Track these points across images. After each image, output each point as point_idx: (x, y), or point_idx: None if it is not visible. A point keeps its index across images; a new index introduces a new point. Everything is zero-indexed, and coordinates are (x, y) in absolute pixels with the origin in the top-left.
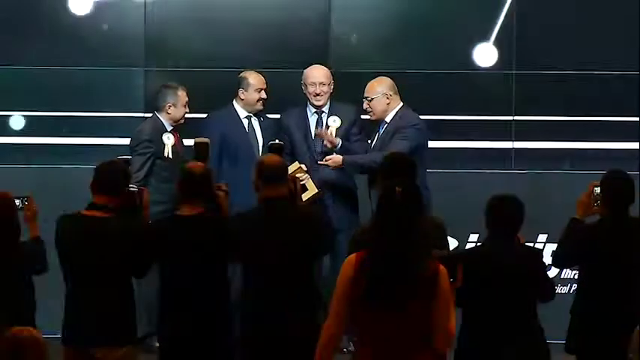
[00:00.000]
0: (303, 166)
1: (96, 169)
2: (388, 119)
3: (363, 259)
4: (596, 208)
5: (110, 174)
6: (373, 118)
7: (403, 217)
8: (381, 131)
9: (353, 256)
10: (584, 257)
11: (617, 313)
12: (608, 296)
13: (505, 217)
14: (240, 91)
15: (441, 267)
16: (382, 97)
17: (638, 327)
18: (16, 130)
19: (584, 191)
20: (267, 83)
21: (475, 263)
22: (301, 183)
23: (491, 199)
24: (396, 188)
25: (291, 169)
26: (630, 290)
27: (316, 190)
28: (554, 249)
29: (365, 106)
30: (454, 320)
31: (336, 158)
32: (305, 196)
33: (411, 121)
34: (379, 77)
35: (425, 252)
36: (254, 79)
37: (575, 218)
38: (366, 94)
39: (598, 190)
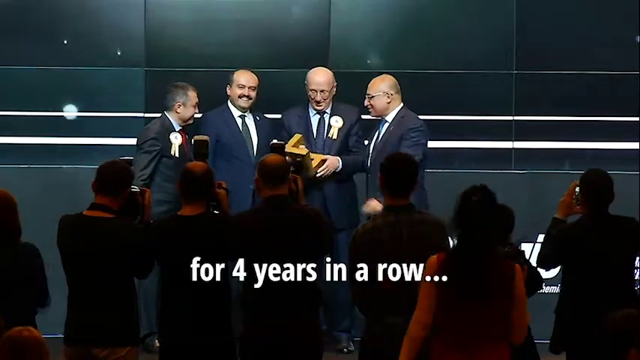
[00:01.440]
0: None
1: (98, 170)
2: (389, 118)
3: (444, 259)
4: (577, 207)
5: (112, 174)
6: (373, 114)
7: (481, 221)
8: (383, 130)
9: (435, 256)
10: (566, 257)
11: (600, 311)
12: (589, 295)
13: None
14: (227, 87)
15: (517, 266)
16: (383, 96)
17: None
18: (16, 130)
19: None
20: (260, 82)
21: None
22: (306, 152)
23: None
24: (473, 196)
25: (292, 141)
26: (611, 289)
27: (322, 157)
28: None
29: (366, 102)
30: (527, 316)
31: (332, 162)
32: (314, 164)
33: (416, 124)
34: (383, 75)
35: (501, 253)
36: (237, 75)
37: (556, 218)
38: (368, 91)
39: (579, 189)
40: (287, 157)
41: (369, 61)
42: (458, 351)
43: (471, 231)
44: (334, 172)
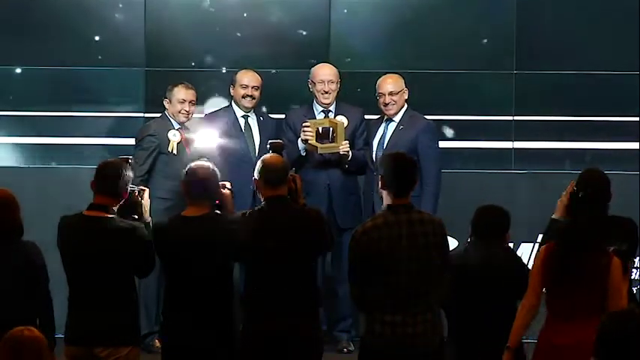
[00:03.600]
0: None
1: (96, 169)
2: (397, 118)
3: (551, 249)
4: None
5: (111, 174)
6: (391, 112)
7: (584, 216)
8: (391, 129)
9: (544, 247)
10: None
11: None
12: None
13: (490, 226)
14: (231, 87)
15: (615, 258)
16: (403, 93)
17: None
18: (16, 130)
19: None
20: (262, 82)
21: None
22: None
23: (477, 209)
24: (580, 192)
25: (318, 123)
26: None
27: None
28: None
29: (388, 100)
30: (625, 302)
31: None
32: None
33: (431, 125)
34: (393, 74)
35: (602, 245)
36: (240, 75)
37: (553, 219)
38: (391, 89)
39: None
40: (324, 123)
41: (369, 61)
42: (563, 323)
43: (576, 224)
44: (343, 160)
